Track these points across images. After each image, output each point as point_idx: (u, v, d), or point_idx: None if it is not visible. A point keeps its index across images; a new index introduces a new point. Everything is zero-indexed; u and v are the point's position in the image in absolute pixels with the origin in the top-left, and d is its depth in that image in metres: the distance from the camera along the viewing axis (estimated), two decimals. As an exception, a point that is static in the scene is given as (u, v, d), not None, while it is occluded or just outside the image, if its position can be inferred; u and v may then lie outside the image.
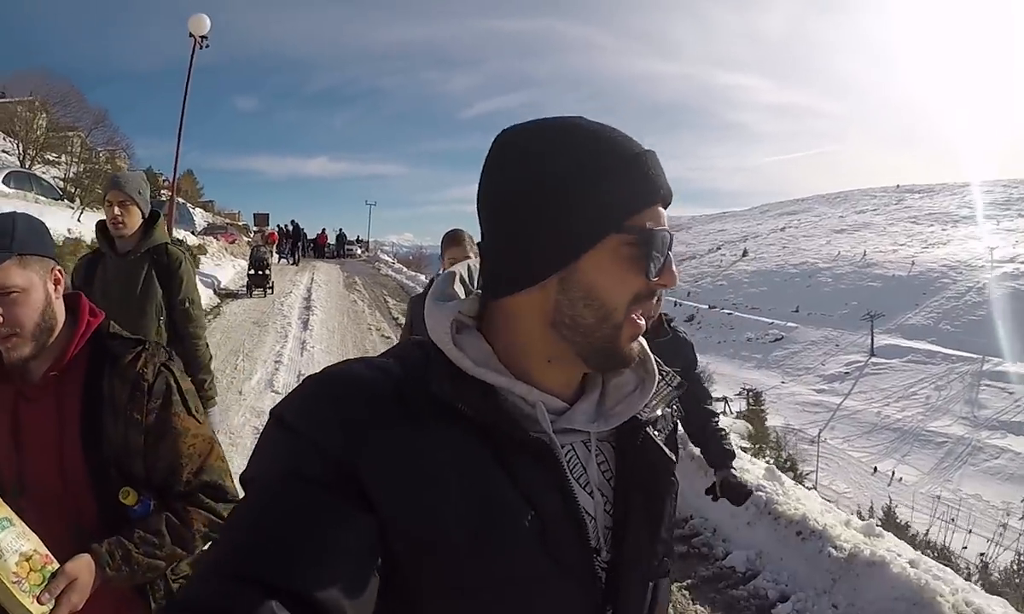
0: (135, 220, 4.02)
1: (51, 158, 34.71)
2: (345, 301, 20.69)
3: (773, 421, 62.57)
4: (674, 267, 0.99)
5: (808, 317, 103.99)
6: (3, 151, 33.70)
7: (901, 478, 54.33)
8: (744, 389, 53.58)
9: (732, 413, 39.23)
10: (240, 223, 47.09)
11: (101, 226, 4.11)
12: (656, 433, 1.11)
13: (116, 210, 3.96)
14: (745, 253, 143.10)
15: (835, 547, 5.59)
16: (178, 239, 20.26)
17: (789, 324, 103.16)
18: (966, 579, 5.05)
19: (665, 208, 0.99)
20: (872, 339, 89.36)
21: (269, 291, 20.86)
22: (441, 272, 4.01)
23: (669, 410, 1.15)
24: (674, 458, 1.13)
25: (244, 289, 21.14)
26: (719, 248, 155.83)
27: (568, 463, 1.00)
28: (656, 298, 1.02)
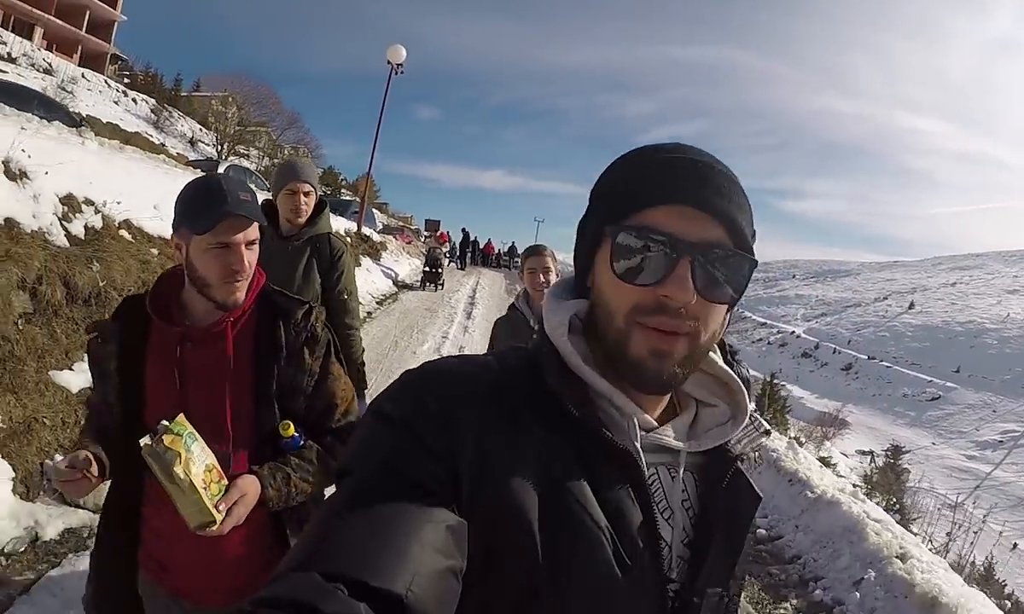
0: (311, 207, 3.99)
1: (242, 151, 37.77)
2: (505, 302, 21.42)
3: (919, 483, 63.93)
4: (688, 281, 0.89)
5: (969, 379, 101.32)
6: (203, 142, 37.94)
7: None
8: (894, 447, 55.24)
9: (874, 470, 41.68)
10: (412, 227, 49.00)
11: (266, 208, 3.97)
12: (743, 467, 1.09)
13: (302, 198, 3.91)
14: (912, 305, 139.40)
15: (810, 490, 7.42)
16: (364, 235, 23.89)
17: (948, 384, 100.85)
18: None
19: (703, 218, 0.92)
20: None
21: (440, 287, 23.17)
22: (520, 284, 4.58)
23: (755, 454, 2.07)
24: (761, 497, 1.09)
25: (419, 283, 23.39)
26: (886, 298, 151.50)
27: (651, 485, 0.98)
28: (664, 311, 0.91)
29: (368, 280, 17.96)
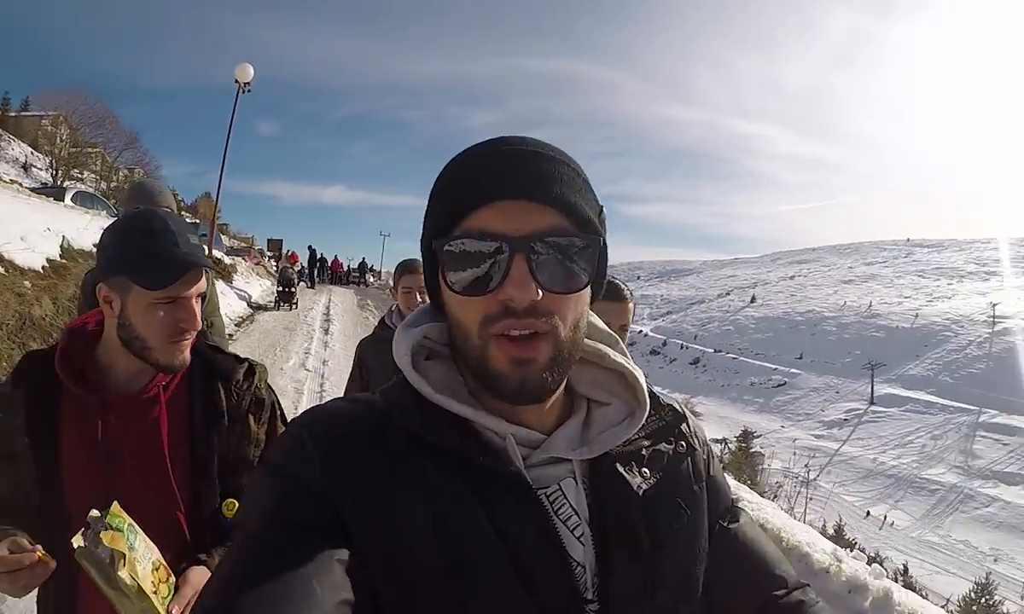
0: None
1: (77, 175, 35.04)
2: (358, 316, 22.53)
3: (771, 463, 64.19)
4: (524, 278, 0.82)
5: (811, 364, 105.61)
6: (36, 167, 34.41)
7: (893, 523, 55.78)
8: (744, 431, 54.62)
9: (727, 454, 40.31)
10: (256, 247, 47.72)
11: None
12: (642, 468, 0.99)
13: None
14: (753, 299, 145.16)
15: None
16: (216, 258, 22.96)
17: (792, 370, 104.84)
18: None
19: (528, 208, 0.84)
20: (872, 388, 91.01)
21: (295, 306, 22.91)
22: (392, 300, 4.00)
23: (671, 446, 1.05)
24: (639, 494, 0.97)
25: (272, 303, 23.31)
26: (728, 293, 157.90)
27: (553, 502, 0.91)
28: (512, 315, 0.83)
29: (224, 303, 16.01)
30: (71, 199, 20.29)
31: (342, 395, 1.05)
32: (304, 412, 0.95)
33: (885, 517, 56.94)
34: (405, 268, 3.92)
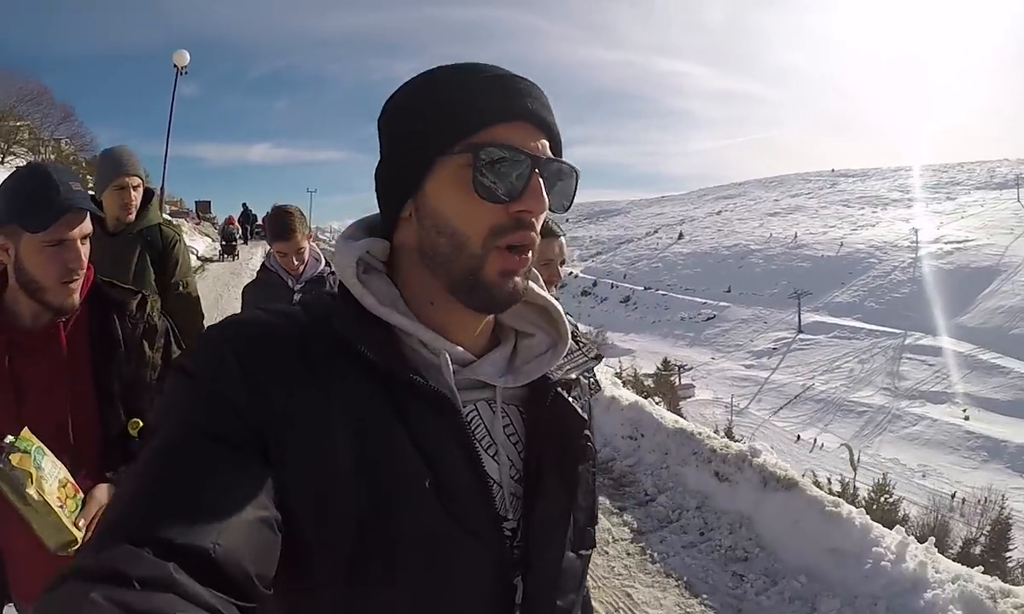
0: (139, 200, 3.79)
1: (2, 147, 33.81)
2: None
3: (702, 395, 65.21)
4: (543, 192, 0.89)
5: (739, 297, 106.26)
6: None
7: (823, 445, 55.83)
8: (664, 360, 54.13)
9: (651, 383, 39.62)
10: (184, 209, 48.09)
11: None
12: (570, 397, 1.04)
13: (131, 193, 3.69)
14: (681, 236, 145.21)
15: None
16: (166, 218, 24.15)
17: (721, 304, 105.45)
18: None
19: (537, 131, 0.92)
20: (800, 316, 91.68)
21: (236, 257, 27.83)
22: (270, 250, 4.01)
23: (588, 380, 1.12)
24: (586, 418, 1.06)
25: (218, 256, 28.31)
26: (656, 231, 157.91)
27: (470, 422, 0.95)
28: (524, 227, 0.91)
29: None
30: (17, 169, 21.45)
31: None
32: (222, 320, 0.96)
33: (815, 440, 57.11)
34: (278, 235, 3.88)
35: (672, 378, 56.61)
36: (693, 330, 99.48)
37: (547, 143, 0.93)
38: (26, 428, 1.68)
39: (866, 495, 15.59)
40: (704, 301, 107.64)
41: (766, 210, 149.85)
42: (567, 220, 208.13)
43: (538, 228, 0.93)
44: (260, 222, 42.75)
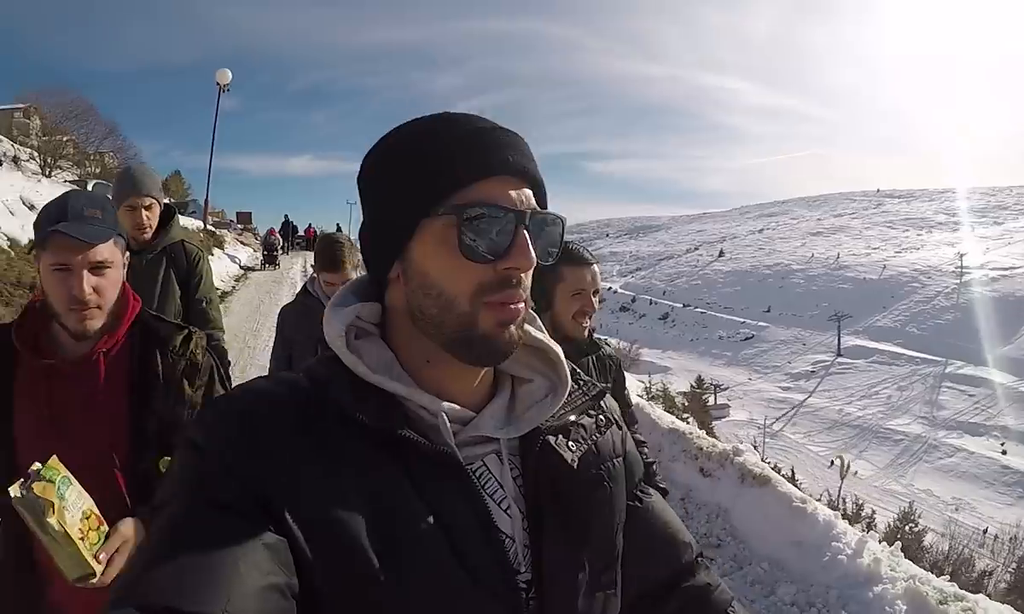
0: (156, 220, 3.78)
1: (50, 162, 34.05)
2: None
3: (738, 415, 64.86)
4: (529, 248, 0.89)
5: (779, 317, 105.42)
6: (21, 159, 33.37)
7: (856, 472, 54.72)
8: (698, 378, 53.91)
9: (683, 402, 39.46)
10: (226, 220, 49.94)
11: None
12: (569, 442, 1.02)
13: (143, 213, 3.67)
14: (721, 253, 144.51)
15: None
16: (211, 230, 28.17)
17: (760, 324, 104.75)
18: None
19: (520, 184, 0.92)
20: (839, 340, 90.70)
21: (277, 266, 28.56)
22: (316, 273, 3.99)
23: (592, 419, 1.08)
24: (575, 466, 1.01)
25: (259, 265, 29.19)
26: (697, 248, 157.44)
27: (479, 478, 0.95)
28: (511, 285, 0.92)
29: (221, 266, 22.45)
30: (92, 189, 21.33)
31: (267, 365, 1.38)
32: (228, 392, 1.00)
33: (848, 466, 56.19)
34: (327, 266, 3.81)
35: (705, 396, 56.30)
36: (731, 349, 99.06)
37: (531, 193, 0.93)
38: (55, 456, 1.68)
39: (889, 523, 15.36)
40: (743, 320, 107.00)
41: (809, 229, 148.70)
42: (607, 235, 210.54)
43: (527, 283, 0.93)
44: (301, 234, 45.95)
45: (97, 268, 1.89)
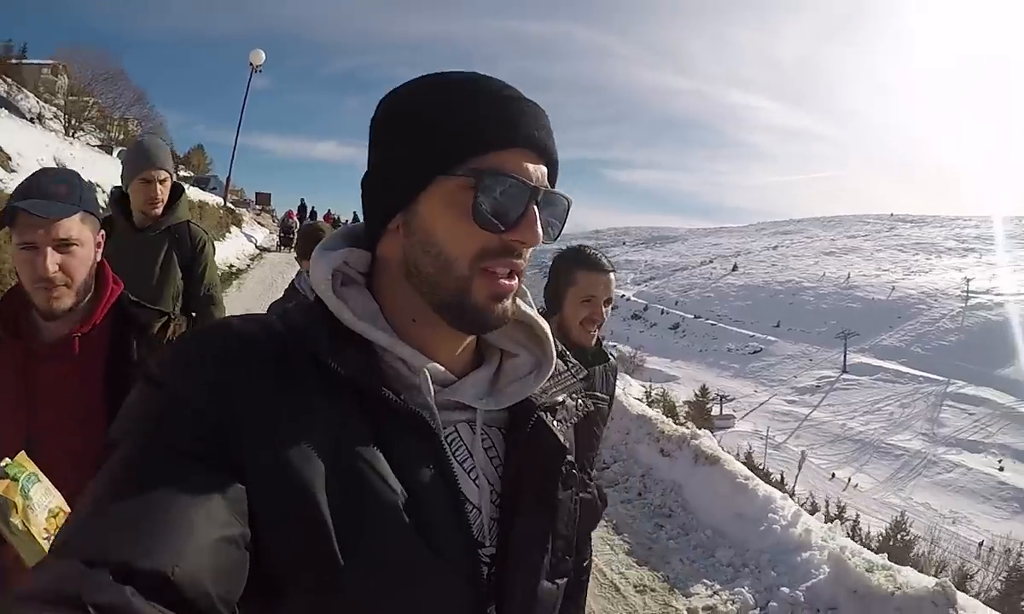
0: (167, 196, 3.64)
1: (74, 123, 34.82)
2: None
3: (743, 426, 66.70)
4: (538, 224, 0.86)
5: (788, 332, 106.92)
6: (45, 117, 34.01)
7: (857, 485, 57.10)
8: (703, 388, 55.30)
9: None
10: (246, 199, 49.46)
11: (117, 195, 3.66)
12: (554, 421, 1.00)
13: (158, 187, 3.53)
14: (735, 268, 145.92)
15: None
16: (230, 208, 27.35)
17: (769, 338, 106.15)
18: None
19: (539, 160, 0.89)
20: (845, 356, 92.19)
21: (293, 248, 32.64)
22: (303, 270, 3.91)
23: (575, 402, 1.06)
24: (567, 446, 1.00)
25: (275, 246, 28.77)
26: (711, 261, 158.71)
27: (450, 444, 0.91)
28: (513, 254, 0.88)
29: (238, 244, 23.26)
30: (116, 156, 22.04)
31: None
32: (196, 329, 0.95)
33: (849, 479, 58.18)
34: (309, 254, 3.60)
35: (709, 406, 57.69)
36: (739, 362, 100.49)
37: (546, 170, 0.90)
38: (22, 452, 1.60)
39: (882, 532, 16.25)
40: (752, 334, 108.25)
41: (822, 248, 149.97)
42: (623, 243, 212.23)
43: (527, 256, 0.91)
44: (320, 219, 46.73)
45: (62, 245, 1.80)
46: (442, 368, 0.92)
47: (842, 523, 11.04)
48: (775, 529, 5.76)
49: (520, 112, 0.88)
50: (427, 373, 0.89)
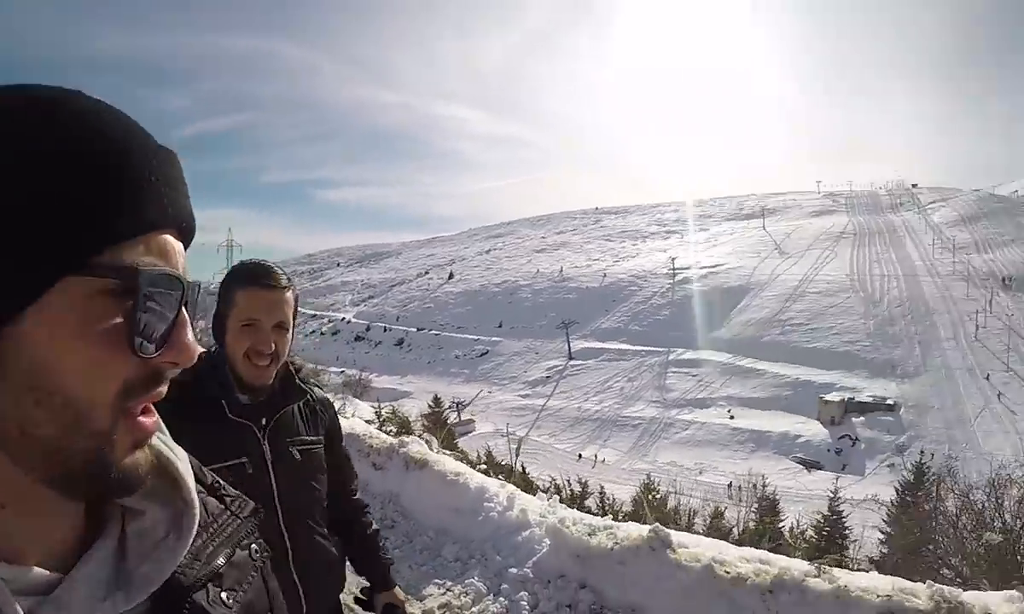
0: None
1: None
2: None
3: (483, 427, 64.78)
4: (189, 336, 0.63)
5: (511, 331, 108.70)
6: None
7: (604, 460, 57.84)
8: (435, 397, 53.19)
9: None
10: None
11: None
12: (222, 594, 0.74)
13: None
14: (451, 276, 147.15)
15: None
16: None
17: (494, 339, 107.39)
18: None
19: (180, 238, 0.65)
20: (569, 344, 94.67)
21: None
22: None
23: (246, 551, 0.80)
24: None
25: None
26: (427, 272, 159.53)
27: None
28: (162, 382, 0.63)
29: None
30: None
31: None
32: None
33: (596, 456, 58.85)
34: None
35: (444, 414, 55.80)
36: (468, 367, 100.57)
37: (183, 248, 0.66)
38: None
39: (634, 495, 16.50)
40: (477, 337, 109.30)
41: (533, 247, 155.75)
42: (337, 264, 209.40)
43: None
44: None
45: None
46: (36, 571, 0.60)
47: (585, 499, 12.05)
48: (492, 516, 5.90)
49: (171, 178, 0.64)
50: (5, 589, 0.56)
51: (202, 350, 2.15)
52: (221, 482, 0.78)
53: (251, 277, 2.04)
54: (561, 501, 6.61)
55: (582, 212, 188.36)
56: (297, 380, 2.25)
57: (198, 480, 0.74)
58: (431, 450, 7.68)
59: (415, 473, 6.85)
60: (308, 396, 2.28)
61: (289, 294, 2.06)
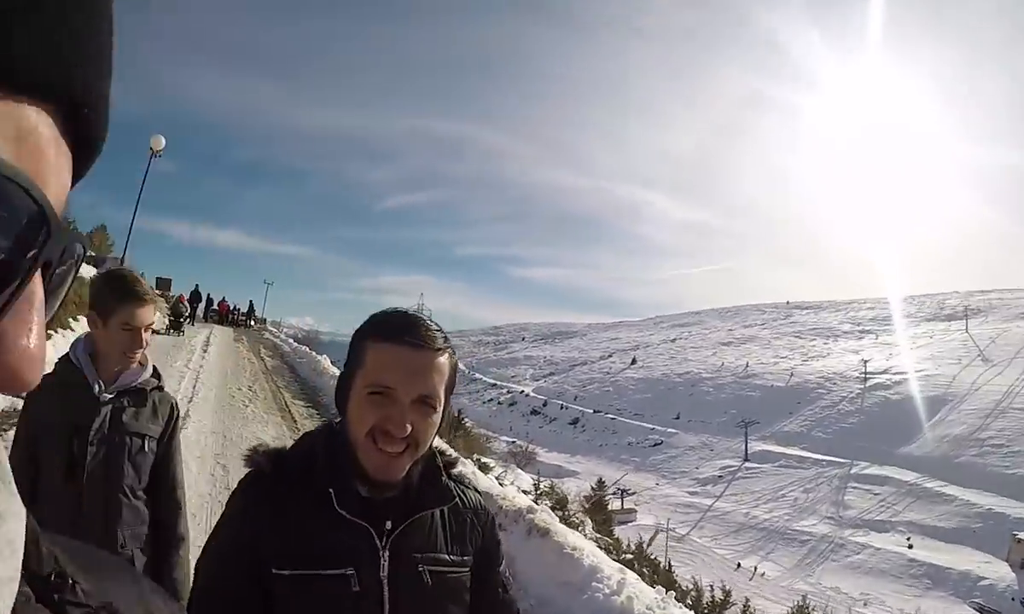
0: None
1: None
2: (232, 348, 27.91)
3: (645, 520, 63.07)
4: (34, 328, 0.39)
5: (688, 424, 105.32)
6: None
7: (764, 573, 54.47)
8: (599, 481, 52.43)
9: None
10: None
11: None
12: None
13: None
14: (634, 361, 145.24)
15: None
16: None
17: (669, 430, 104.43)
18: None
19: (82, 149, 0.43)
20: (746, 445, 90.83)
21: (182, 333, 28.38)
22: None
23: None
24: None
25: (164, 330, 28.19)
26: (610, 356, 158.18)
27: None
28: None
29: None
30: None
31: None
32: None
33: (755, 568, 55.53)
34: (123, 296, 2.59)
35: (605, 499, 54.82)
36: (639, 455, 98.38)
37: None
38: None
39: None
40: (652, 427, 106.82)
41: (720, 339, 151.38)
42: (523, 338, 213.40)
43: None
44: (215, 306, 45.90)
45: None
46: None
47: (725, 608, 11.26)
48: (597, 597, 5.89)
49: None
50: None
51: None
52: (75, 581, 0.48)
53: (390, 330, 1.51)
54: (699, 607, 7.01)
55: (772, 305, 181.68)
56: (444, 477, 1.65)
57: (29, 559, 0.45)
58: (557, 522, 7.58)
59: (536, 540, 6.90)
60: (458, 500, 1.67)
61: (443, 359, 1.51)
